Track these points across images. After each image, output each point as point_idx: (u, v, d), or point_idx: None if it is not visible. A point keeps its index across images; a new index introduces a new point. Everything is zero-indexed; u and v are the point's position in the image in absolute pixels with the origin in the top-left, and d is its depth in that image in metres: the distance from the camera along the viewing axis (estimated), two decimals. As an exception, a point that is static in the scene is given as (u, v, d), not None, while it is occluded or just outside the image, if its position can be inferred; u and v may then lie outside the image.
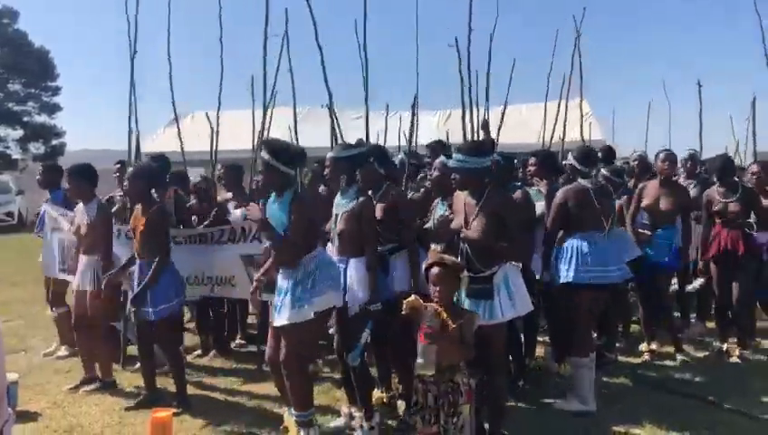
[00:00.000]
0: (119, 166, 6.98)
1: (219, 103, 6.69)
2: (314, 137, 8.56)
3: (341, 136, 6.45)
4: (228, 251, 5.59)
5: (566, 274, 4.69)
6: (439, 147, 6.43)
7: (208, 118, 6.74)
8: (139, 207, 4.94)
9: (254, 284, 4.40)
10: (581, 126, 7.98)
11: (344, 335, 4.33)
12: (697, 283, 6.49)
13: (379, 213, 4.42)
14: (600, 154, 6.24)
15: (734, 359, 5.89)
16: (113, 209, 5.98)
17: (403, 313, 3.59)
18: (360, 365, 4.21)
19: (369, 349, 4.40)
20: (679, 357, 5.87)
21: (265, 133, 6.31)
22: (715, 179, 6.28)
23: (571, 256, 4.70)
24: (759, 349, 6.20)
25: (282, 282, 4.01)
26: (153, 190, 5.09)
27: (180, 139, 6.76)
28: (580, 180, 4.88)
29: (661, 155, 6.09)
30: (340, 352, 4.40)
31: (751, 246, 5.87)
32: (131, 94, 6.23)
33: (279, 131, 7.03)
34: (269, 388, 4.93)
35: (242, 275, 5.52)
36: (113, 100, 6.15)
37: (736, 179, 6.09)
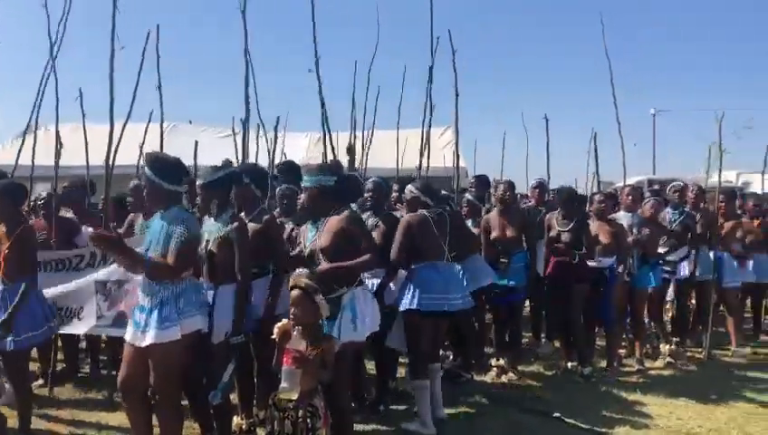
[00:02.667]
0: None
1: (57, 117, 6.21)
2: (179, 154, 8.24)
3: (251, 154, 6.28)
4: (84, 277, 5.15)
5: (410, 301, 4.78)
6: (286, 168, 6.11)
7: (57, 132, 6.30)
8: (1, 227, 4.50)
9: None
10: (456, 152, 8.28)
11: (205, 368, 4.12)
12: None
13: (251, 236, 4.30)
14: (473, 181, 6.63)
15: (577, 378, 6.28)
16: None
17: (273, 337, 3.53)
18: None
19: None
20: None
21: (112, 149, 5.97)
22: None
23: (414, 284, 4.81)
24: (598, 367, 6.62)
25: (144, 300, 3.79)
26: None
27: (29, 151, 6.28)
28: (421, 210, 5.00)
29: (500, 186, 6.45)
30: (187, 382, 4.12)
31: (579, 272, 6.28)
32: None
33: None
34: (120, 418, 4.67)
35: (90, 307, 5.10)
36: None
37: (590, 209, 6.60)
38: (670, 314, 7.73)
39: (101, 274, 5.01)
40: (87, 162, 6.59)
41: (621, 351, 6.97)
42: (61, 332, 5.49)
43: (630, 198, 6.81)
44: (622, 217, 6.78)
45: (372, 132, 7.59)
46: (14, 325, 4.35)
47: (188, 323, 3.76)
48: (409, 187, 5.17)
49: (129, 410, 3.95)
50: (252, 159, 7.23)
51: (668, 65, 63.70)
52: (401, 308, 4.83)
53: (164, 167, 3.85)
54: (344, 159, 7.29)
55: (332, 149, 6.25)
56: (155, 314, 3.69)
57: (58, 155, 6.19)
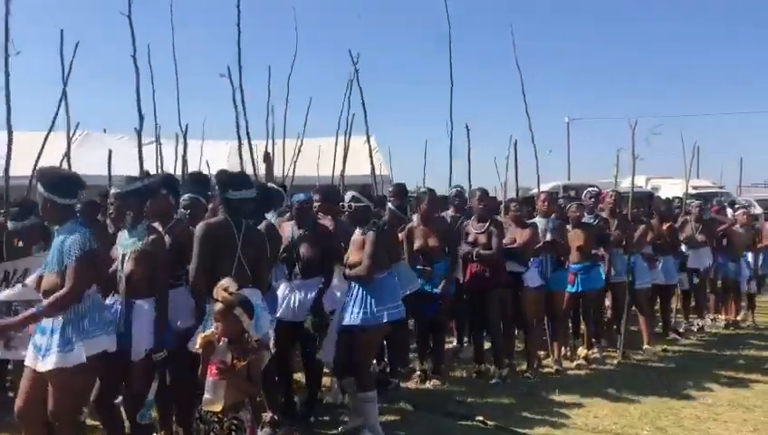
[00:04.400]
0: None
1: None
2: (89, 164, 7.94)
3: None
4: None
5: (372, 313, 4.75)
6: (192, 179, 5.71)
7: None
8: None
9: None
10: (373, 161, 8.34)
11: (129, 384, 3.98)
12: None
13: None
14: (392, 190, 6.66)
15: (495, 380, 6.41)
16: None
17: (197, 347, 3.45)
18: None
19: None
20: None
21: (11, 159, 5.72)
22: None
23: (374, 295, 4.78)
24: (518, 369, 6.80)
25: (45, 321, 3.58)
26: None
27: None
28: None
29: (423, 197, 6.52)
30: (99, 401, 4.00)
31: (495, 277, 6.41)
32: None
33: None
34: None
35: None
36: None
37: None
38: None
39: (4, 295, 4.71)
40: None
41: (541, 352, 7.17)
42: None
43: (546, 203, 7.02)
44: (539, 223, 6.98)
45: (284, 141, 7.59)
46: None
47: (93, 344, 3.59)
48: (354, 195, 5.07)
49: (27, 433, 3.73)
50: (170, 169, 7.07)
51: (581, 74, 66.29)
52: (359, 322, 4.75)
53: (56, 181, 3.71)
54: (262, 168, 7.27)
55: (251, 157, 6.18)
56: (56, 336, 3.51)
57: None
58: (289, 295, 5.23)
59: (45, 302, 3.51)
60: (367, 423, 4.83)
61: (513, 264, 6.54)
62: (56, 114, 6.34)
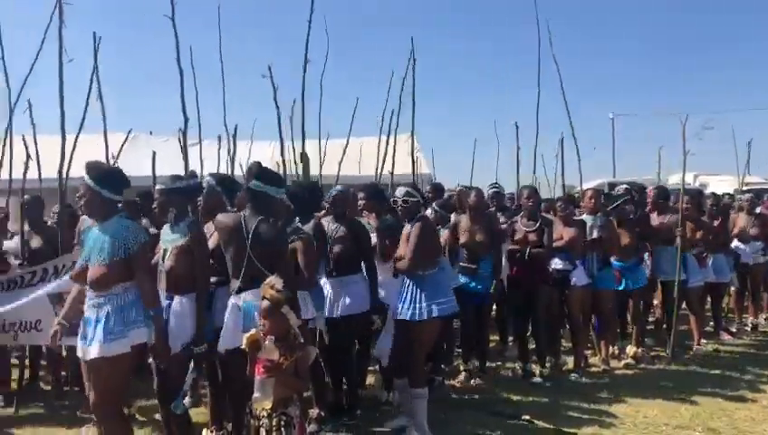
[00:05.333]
0: None
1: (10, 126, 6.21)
2: (135, 165, 8.10)
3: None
4: (35, 292, 5.03)
5: (428, 308, 4.72)
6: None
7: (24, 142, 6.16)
8: None
9: (55, 328, 4.03)
10: (414, 160, 8.31)
11: (164, 377, 4.06)
12: None
13: (212, 243, 4.25)
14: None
15: (537, 379, 6.34)
16: None
17: (243, 347, 3.49)
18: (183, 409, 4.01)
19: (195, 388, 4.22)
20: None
21: (65, 162, 5.85)
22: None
23: (429, 290, 4.76)
24: (565, 368, 6.72)
25: (90, 312, 3.69)
26: None
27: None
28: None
29: (472, 192, 6.48)
30: (161, 395, 4.14)
31: (541, 275, 6.35)
32: None
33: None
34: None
35: (49, 318, 4.92)
36: None
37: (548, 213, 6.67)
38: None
39: (53, 286, 4.91)
40: (39, 175, 6.45)
41: (588, 351, 7.06)
42: (24, 343, 5.46)
43: (593, 200, 6.91)
44: (585, 220, 6.87)
45: (320, 140, 7.66)
46: None
47: (136, 335, 3.68)
48: (408, 190, 5.04)
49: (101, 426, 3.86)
50: (212, 170, 7.18)
51: (627, 68, 65.03)
52: (408, 317, 4.75)
53: (104, 175, 3.81)
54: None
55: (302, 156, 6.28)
56: (100, 326, 3.60)
57: (26, 167, 6.08)
58: (329, 292, 5.25)
59: (146, 306, 3.67)
60: (415, 421, 4.83)
61: (559, 262, 6.46)
62: (104, 117, 6.54)
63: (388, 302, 5.23)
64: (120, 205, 3.86)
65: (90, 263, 3.76)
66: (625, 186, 7.95)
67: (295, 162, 7.51)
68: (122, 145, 6.92)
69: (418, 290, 4.75)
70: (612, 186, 10.90)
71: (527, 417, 5.29)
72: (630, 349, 7.11)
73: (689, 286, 7.46)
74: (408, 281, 4.83)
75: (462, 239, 6.22)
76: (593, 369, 6.80)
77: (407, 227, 4.96)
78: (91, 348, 3.60)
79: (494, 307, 7.44)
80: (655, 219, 7.48)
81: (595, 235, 6.67)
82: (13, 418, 5.38)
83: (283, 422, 3.40)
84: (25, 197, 6.32)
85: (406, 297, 4.79)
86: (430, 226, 5.01)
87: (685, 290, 7.38)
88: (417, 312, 4.71)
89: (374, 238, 5.53)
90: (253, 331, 3.57)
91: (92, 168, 3.85)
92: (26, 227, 6.12)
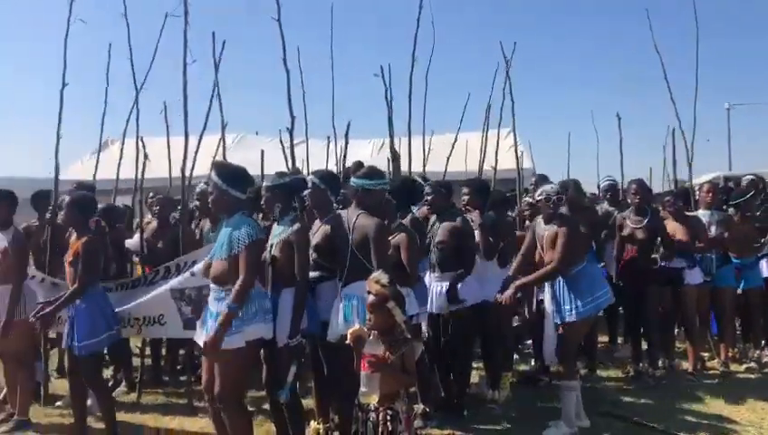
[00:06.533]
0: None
1: (137, 129, 6.52)
2: (244, 165, 8.37)
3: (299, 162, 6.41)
4: (158, 289, 5.25)
5: (585, 307, 4.77)
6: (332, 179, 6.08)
7: (142, 142, 6.49)
8: (75, 237, 4.72)
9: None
10: (517, 155, 8.14)
11: (272, 369, 4.18)
12: None
13: (319, 238, 4.34)
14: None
15: (648, 380, 6.08)
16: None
17: (347, 342, 3.54)
18: (292, 398, 4.11)
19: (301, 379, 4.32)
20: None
21: (189, 161, 6.12)
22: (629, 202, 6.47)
23: (584, 288, 4.80)
24: (680, 370, 6.42)
25: (213, 305, 3.87)
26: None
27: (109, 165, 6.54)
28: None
29: (569, 184, 6.26)
30: (268, 385, 4.27)
31: (652, 273, 6.08)
32: (59, 127, 6.01)
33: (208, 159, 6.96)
34: (202, 423, 4.79)
35: (171, 312, 5.18)
36: (39, 128, 5.89)
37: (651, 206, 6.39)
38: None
39: (174, 283, 5.13)
40: (170, 175, 6.75)
41: (705, 354, 6.71)
42: (148, 336, 5.79)
43: (711, 194, 6.53)
44: (702, 216, 6.54)
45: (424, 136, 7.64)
46: (77, 331, 4.53)
47: (252, 331, 3.82)
48: (554, 187, 4.99)
49: (213, 413, 4.05)
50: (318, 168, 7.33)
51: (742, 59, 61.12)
52: (575, 317, 4.77)
53: (231, 174, 3.94)
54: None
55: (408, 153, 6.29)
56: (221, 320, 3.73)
57: (143, 167, 6.38)
58: (431, 288, 5.25)
59: (231, 298, 3.72)
60: (564, 412, 4.85)
61: (672, 259, 6.15)
62: (221, 116, 6.77)
63: (489, 299, 5.18)
64: (245, 203, 3.96)
65: (214, 258, 3.94)
66: (751, 176, 7.48)
67: (388, 159, 7.53)
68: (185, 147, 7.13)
69: (574, 288, 4.78)
70: (728, 179, 10.29)
71: (638, 419, 5.08)
72: (753, 352, 6.71)
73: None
74: (560, 281, 4.83)
75: None
76: (710, 372, 6.45)
77: (541, 226, 4.93)
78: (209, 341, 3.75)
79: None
80: None
81: (713, 231, 6.32)
82: (136, 404, 5.72)
83: (389, 417, 3.41)
84: (157, 196, 6.70)
85: (564, 298, 4.81)
86: (576, 224, 4.92)
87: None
88: (582, 310, 4.76)
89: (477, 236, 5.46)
90: (356, 325, 3.62)
91: (220, 167, 4.01)
92: (154, 225, 6.48)
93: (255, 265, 3.84)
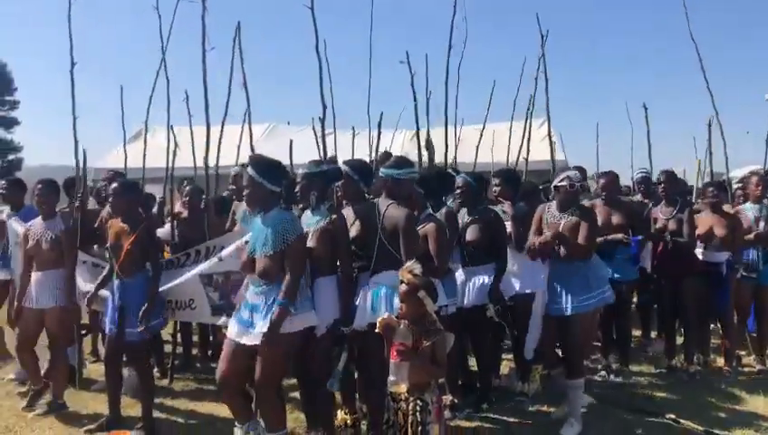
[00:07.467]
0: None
1: (168, 119, 6.53)
2: (274, 154, 8.39)
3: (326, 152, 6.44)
4: (187, 273, 5.28)
5: (597, 296, 4.73)
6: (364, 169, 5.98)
7: (172, 131, 6.53)
8: (122, 224, 4.76)
9: None
10: (552, 146, 8.03)
11: (312, 358, 4.15)
12: None
13: (356, 229, 4.31)
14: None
15: (684, 377, 5.98)
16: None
17: (377, 330, 3.54)
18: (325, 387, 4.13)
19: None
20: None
21: (212, 151, 6.15)
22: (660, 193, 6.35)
23: (597, 279, 4.79)
24: (715, 366, 6.31)
25: (256, 299, 3.86)
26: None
27: (139, 154, 6.62)
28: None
29: (600, 179, 6.20)
30: (299, 374, 4.29)
31: (689, 265, 5.95)
32: (73, 109, 6.02)
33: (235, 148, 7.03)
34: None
35: (200, 297, 5.23)
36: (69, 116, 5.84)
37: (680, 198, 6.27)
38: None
39: (202, 267, 5.15)
40: (194, 163, 6.82)
41: (742, 352, 6.57)
42: (179, 320, 5.90)
43: (759, 187, 6.35)
44: (749, 209, 6.38)
45: (454, 127, 7.57)
46: (144, 315, 4.64)
47: (301, 320, 3.83)
48: (577, 175, 4.93)
49: (230, 401, 4.05)
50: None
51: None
52: (585, 308, 4.71)
53: (267, 167, 3.93)
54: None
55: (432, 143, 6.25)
56: (268, 313, 3.75)
57: (174, 155, 6.47)
58: (462, 282, 5.21)
59: (281, 294, 3.73)
60: (572, 412, 4.78)
61: (710, 253, 6.05)
62: (248, 105, 6.77)
63: (523, 291, 5.15)
64: (280, 196, 3.95)
65: (255, 255, 3.91)
66: None
67: (420, 150, 7.48)
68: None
69: (584, 281, 4.71)
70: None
71: (672, 416, 4.99)
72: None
73: None
74: (560, 272, 4.78)
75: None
76: (747, 369, 6.32)
77: (557, 216, 4.87)
78: (256, 334, 3.77)
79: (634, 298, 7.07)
80: None
81: (762, 226, 6.17)
82: (168, 389, 5.81)
83: (419, 407, 3.41)
84: (189, 187, 6.76)
85: (570, 290, 4.71)
86: (596, 216, 4.95)
87: None
88: (589, 302, 4.70)
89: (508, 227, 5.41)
90: (386, 314, 3.61)
91: (256, 160, 4.01)
92: (185, 214, 6.55)
93: (303, 261, 3.88)
